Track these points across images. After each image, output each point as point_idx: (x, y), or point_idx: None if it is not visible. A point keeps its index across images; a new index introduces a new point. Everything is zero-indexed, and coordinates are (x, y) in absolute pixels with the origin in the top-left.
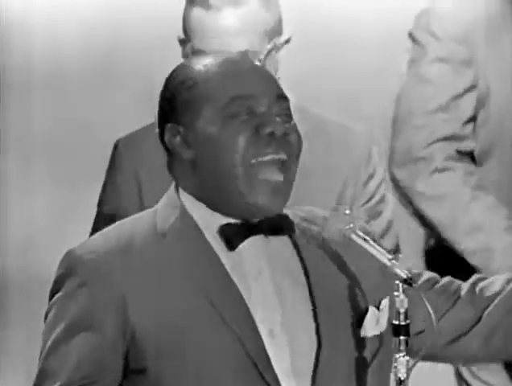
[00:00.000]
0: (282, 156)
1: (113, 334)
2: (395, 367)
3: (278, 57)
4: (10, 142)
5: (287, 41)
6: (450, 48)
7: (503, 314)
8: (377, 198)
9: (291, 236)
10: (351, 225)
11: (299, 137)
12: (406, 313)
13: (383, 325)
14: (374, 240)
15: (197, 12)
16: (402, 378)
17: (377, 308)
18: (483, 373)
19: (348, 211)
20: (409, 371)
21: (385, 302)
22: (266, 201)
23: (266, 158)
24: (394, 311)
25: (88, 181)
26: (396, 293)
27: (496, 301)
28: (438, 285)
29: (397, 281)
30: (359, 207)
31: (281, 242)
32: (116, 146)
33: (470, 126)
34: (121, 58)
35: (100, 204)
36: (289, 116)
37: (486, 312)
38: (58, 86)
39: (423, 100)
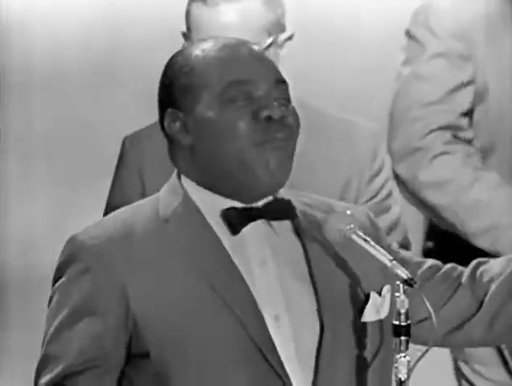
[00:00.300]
0: (281, 138)
1: (116, 321)
2: (396, 367)
3: (280, 54)
4: (10, 142)
5: (290, 38)
6: (449, 44)
7: (504, 299)
8: (384, 193)
9: (294, 227)
10: (351, 225)
11: (296, 119)
12: (406, 313)
13: (385, 311)
14: (380, 238)
15: (196, 7)
16: (402, 378)
17: (379, 294)
18: (481, 367)
19: (349, 212)
20: (410, 371)
21: (387, 289)
22: (266, 178)
23: (265, 141)
24: (394, 311)
25: (88, 181)
26: (397, 294)
27: (496, 286)
28: (440, 273)
29: (398, 282)
30: (365, 203)
31: (284, 231)
32: (123, 143)
33: (467, 119)
34: (121, 58)
35: (108, 199)
36: (287, 99)
37: (487, 298)
38: (58, 86)
39: (421, 96)
